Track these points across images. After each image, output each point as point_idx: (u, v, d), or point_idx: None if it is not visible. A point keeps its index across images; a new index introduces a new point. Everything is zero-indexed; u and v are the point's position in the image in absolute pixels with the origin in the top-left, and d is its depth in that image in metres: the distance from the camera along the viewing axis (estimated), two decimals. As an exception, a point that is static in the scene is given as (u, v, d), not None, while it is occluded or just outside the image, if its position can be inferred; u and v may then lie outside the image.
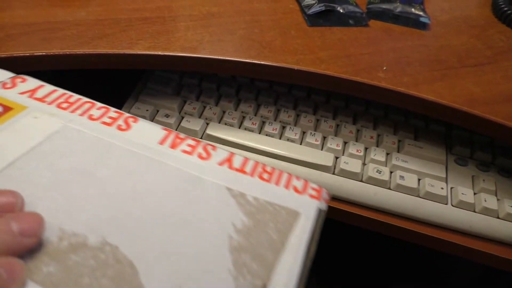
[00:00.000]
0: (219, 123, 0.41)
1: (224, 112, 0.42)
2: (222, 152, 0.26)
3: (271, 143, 0.40)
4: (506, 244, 0.37)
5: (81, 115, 0.26)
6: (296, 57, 0.39)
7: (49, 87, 0.27)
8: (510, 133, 0.35)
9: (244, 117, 0.42)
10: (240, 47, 0.39)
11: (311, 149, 0.40)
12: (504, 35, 0.47)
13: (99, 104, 0.27)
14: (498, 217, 0.37)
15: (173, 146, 0.25)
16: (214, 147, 0.26)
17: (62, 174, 0.22)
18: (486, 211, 0.37)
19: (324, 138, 0.41)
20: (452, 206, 0.38)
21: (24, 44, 0.36)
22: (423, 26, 0.47)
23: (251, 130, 0.41)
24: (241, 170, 0.25)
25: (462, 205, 0.38)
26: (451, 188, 0.39)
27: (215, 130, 0.40)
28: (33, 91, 0.26)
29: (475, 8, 0.53)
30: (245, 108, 0.42)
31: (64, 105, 0.26)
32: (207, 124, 0.41)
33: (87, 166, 0.23)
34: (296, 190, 0.24)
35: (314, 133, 0.41)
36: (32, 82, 0.27)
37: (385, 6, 0.48)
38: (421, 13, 0.47)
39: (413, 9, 0.48)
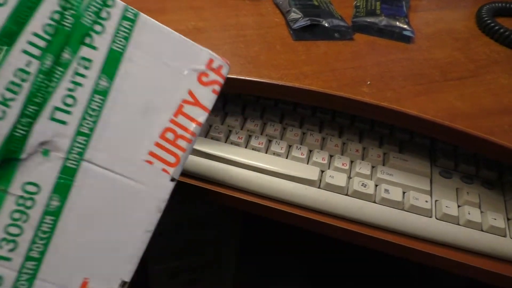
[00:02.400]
0: (206, 137, 0.41)
1: (210, 126, 0.42)
2: None
3: (256, 158, 0.40)
4: (489, 256, 0.38)
5: None
6: (280, 72, 0.39)
7: None
8: (492, 148, 0.36)
9: (230, 131, 0.42)
10: (224, 63, 0.39)
11: (296, 163, 0.40)
12: (487, 48, 0.48)
13: None
14: (481, 230, 0.38)
15: None
16: None
17: None
18: (470, 224, 0.38)
19: (310, 151, 0.41)
20: (437, 219, 0.38)
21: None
22: (407, 39, 0.47)
23: (237, 144, 0.41)
24: None
25: (446, 218, 0.38)
26: (436, 201, 0.39)
27: (200, 145, 0.40)
28: None
29: (460, 21, 0.54)
30: (232, 122, 0.43)
31: None
32: (193, 138, 0.41)
33: None
34: None
35: (300, 147, 0.41)
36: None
37: (370, 19, 0.48)
38: (405, 26, 0.48)
39: (397, 22, 0.48)
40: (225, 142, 0.41)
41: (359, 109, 0.38)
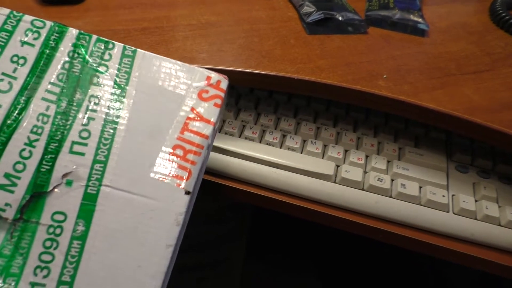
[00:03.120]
0: (219, 132, 0.41)
1: (224, 121, 0.42)
2: None
3: (271, 152, 0.39)
4: (508, 251, 0.37)
5: None
6: (296, 66, 0.39)
7: None
8: (511, 141, 0.35)
9: (244, 126, 0.42)
10: (239, 57, 0.39)
11: (312, 158, 0.39)
12: (502, 41, 0.47)
13: None
14: (500, 225, 0.37)
15: None
16: None
17: None
18: (488, 219, 0.37)
19: (325, 146, 0.41)
20: (454, 214, 0.38)
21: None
22: (421, 33, 0.47)
23: (252, 139, 0.41)
24: None
25: (463, 212, 0.37)
26: (452, 195, 0.39)
27: (216, 141, 0.40)
28: None
29: (473, 14, 0.53)
30: (245, 117, 0.42)
31: None
32: (207, 133, 0.41)
33: None
34: None
35: (315, 142, 0.41)
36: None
37: (383, 13, 0.48)
38: (419, 19, 0.47)
39: (411, 16, 0.48)
40: (239, 137, 0.41)
41: (376, 103, 0.37)
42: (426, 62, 0.42)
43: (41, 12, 0.42)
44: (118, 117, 0.29)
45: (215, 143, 0.40)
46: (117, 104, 0.29)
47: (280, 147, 0.41)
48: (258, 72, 0.37)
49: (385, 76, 0.39)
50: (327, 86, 0.37)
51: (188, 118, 0.30)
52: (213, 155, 0.40)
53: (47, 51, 0.29)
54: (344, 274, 0.80)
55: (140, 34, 0.40)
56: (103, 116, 0.29)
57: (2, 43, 0.28)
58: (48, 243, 0.26)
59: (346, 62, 0.40)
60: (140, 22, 0.42)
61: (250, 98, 0.44)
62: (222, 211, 0.70)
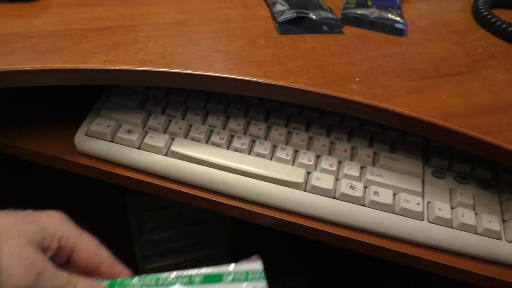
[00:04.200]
0: (185, 138, 0.39)
1: (190, 126, 0.40)
2: None
3: (239, 159, 0.38)
4: (485, 260, 0.36)
5: None
6: (264, 68, 0.37)
7: None
8: (488, 148, 0.34)
9: (212, 131, 0.40)
10: (204, 59, 0.37)
11: (281, 165, 0.38)
12: (484, 41, 0.46)
13: None
14: (476, 233, 0.36)
15: None
16: None
17: None
18: (464, 227, 0.36)
19: (296, 152, 0.39)
20: (429, 222, 0.36)
21: (-31, 59, 0.33)
22: (399, 32, 0.45)
23: (219, 145, 0.39)
24: None
25: (438, 221, 0.36)
26: (428, 203, 0.37)
27: (180, 147, 0.38)
28: None
29: (456, 13, 0.51)
30: (213, 121, 0.40)
31: None
32: (172, 139, 0.39)
33: None
34: None
35: (285, 147, 0.39)
36: None
37: (360, 11, 0.46)
38: (397, 18, 0.45)
39: (389, 15, 0.46)
40: (206, 143, 0.39)
41: (347, 107, 0.36)
42: (403, 63, 0.40)
43: (-4, 10, 0.39)
44: None
45: (180, 150, 0.38)
46: None
47: (249, 154, 0.39)
48: (222, 75, 0.35)
49: (358, 79, 0.37)
50: (296, 91, 0.35)
51: None
52: (178, 162, 0.38)
53: None
54: (330, 272, 0.79)
55: (100, 34, 0.38)
56: None
57: None
58: None
59: (317, 64, 0.38)
60: (101, 21, 0.39)
61: (220, 101, 0.42)
62: (204, 213, 0.68)
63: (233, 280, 0.30)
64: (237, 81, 0.35)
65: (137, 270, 0.75)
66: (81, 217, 0.64)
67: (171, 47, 0.37)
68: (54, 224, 0.26)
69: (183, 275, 0.29)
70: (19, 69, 0.32)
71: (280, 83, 0.35)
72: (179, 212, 0.69)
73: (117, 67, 0.34)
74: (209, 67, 0.36)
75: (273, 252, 0.80)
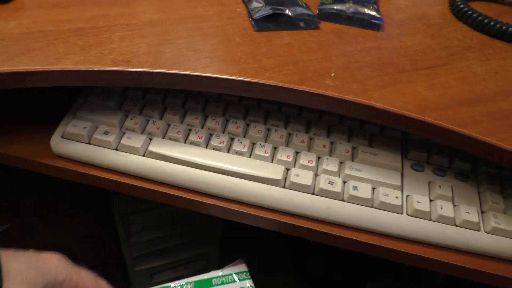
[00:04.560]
0: (163, 138, 0.39)
1: (169, 125, 0.40)
2: None
3: (217, 158, 0.37)
4: (464, 252, 0.36)
5: None
6: (239, 66, 0.37)
7: None
8: (463, 140, 0.34)
9: (190, 130, 0.40)
10: (178, 58, 0.36)
11: (260, 162, 0.38)
12: (460, 34, 0.46)
13: None
14: (455, 225, 0.36)
15: None
16: None
17: None
18: (442, 219, 0.36)
19: (275, 149, 0.39)
20: (408, 215, 0.36)
21: None
22: (376, 27, 0.45)
23: (197, 144, 0.39)
24: None
25: (417, 214, 0.36)
26: (407, 196, 0.38)
27: (158, 147, 0.38)
28: None
29: (432, 6, 0.51)
30: (191, 120, 0.40)
31: None
32: (150, 140, 0.39)
33: None
34: None
35: (264, 145, 0.39)
36: None
37: (337, 7, 0.46)
38: (374, 13, 0.46)
39: (366, 9, 0.46)
40: (185, 142, 0.39)
41: (323, 103, 0.36)
42: (379, 58, 0.40)
43: (-33, 14, 0.39)
44: None
45: (158, 150, 0.37)
46: None
47: (228, 152, 0.39)
48: (197, 74, 0.35)
49: (333, 74, 0.37)
50: (270, 87, 0.35)
51: None
52: (156, 162, 0.37)
53: None
54: (322, 268, 0.79)
55: (73, 35, 0.37)
56: None
57: None
58: None
59: (293, 60, 0.38)
60: (75, 22, 0.39)
61: (198, 100, 0.42)
62: (192, 213, 0.68)
63: (222, 283, 0.33)
64: (212, 79, 0.35)
65: (126, 272, 0.75)
66: (66, 221, 0.64)
67: (145, 47, 0.37)
68: (56, 267, 0.27)
69: (173, 286, 0.31)
70: (-11, 72, 0.32)
71: (255, 80, 0.35)
72: (167, 212, 0.69)
73: (89, 68, 0.34)
74: (183, 66, 0.35)
75: (263, 250, 0.80)
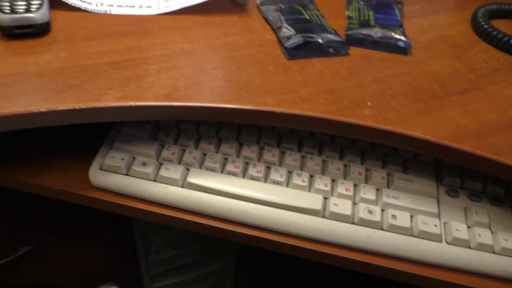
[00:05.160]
0: (200, 168, 0.39)
1: (205, 155, 0.40)
2: None
3: (256, 188, 0.38)
4: (504, 279, 0.36)
5: None
6: (276, 97, 0.37)
7: None
8: (501, 168, 0.34)
9: (226, 159, 0.40)
10: (216, 90, 0.37)
11: (298, 192, 0.38)
12: (486, 55, 0.46)
13: None
14: (494, 252, 0.36)
15: None
16: None
17: None
18: (482, 247, 0.36)
19: (311, 177, 0.39)
20: (447, 243, 0.37)
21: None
22: (404, 51, 0.45)
23: (235, 174, 0.39)
24: None
25: (456, 242, 0.36)
26: (445, 223, 0.38)
27: (196, 177, 0.38)
28: None
29: (456, 25, 0.52)
30: (227, 149, 0.40)
31: None
32: (188, 170, 0.39)
33: None
34: None
35: (301, 173, 0.39)
36: None
37: (364, 31, 0.46)
38: (401, 37, 0.46)
39: (392, 33, 0.47)
40: (221, 172, 0.39)
41: (362, 133, 0.36)
42: (410, 83, 0.41)
43: (2, 47, 0.39)
44: None
45: (198, 181, 0.38)
46: None
47: (265, 181, 0.39)
48: (238, 107, 0.35)
49: (369, 103, 0.37)
50: (310, 119, 0.35)
51: None
52: (196, 194, 0.38)
53: None
54: (337, 281, 0.79)
55: (110, 69, 0.38)
56: None
57: None
58: None
59: (328, 89, 0.39)
60: (110, 55, 0.39)
61: (232, 128, 0.42)
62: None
63: None
64: (252, 112, 0.35)
65: (143, 290, 0.75)
66: (86, 240, 0.64)
67: (183, 79, 0.37)
68: None
69: None
70: (35, 111, 0.32)
71: (295, 112, 0.35)
72: (185, 230, 0.69)
73: (132, 104, 0.34)
74: (222, 98, 0.36)
75: (279, 265, 0.80)
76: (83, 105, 0.33)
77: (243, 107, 0.35)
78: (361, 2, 0.52)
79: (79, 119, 0.34)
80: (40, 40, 0.40)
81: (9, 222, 0.62)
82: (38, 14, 0.39)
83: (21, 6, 0.40)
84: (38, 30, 0.40)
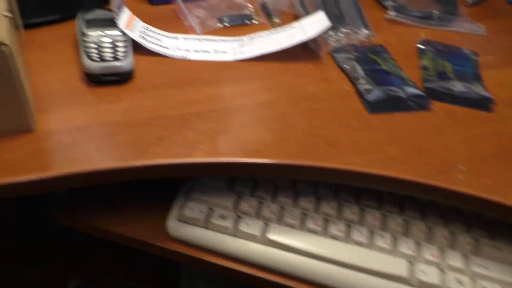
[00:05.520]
0: (279, 224, 0.38)
1: (282, 209, 0.39)
2: None
3: (338, 249, 0.36)
4: None
5: None
6: (365, 156, 0.36)
7: None
8: None
9: (305, 215, 0.39)
10: (304, 147, 0.36)
11: (383, 255, 0.36)
12: None
13: None
14: None
15: None
16: None
17: None
18: None
19: (395, 239, 0.38)
20: (544, 321, 0.34)
21: (72, 157, 0.33)
22: (486, 107, 0.44)
23: (315, 232, 0.38)
24: None
25: (555, 320, 0.34)
26: (539, 297, 0.35)
27: (276, 235, 0.37)
28: None
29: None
30: (305, 204, 0.39)
31: None
32: (266, 224, 0.38)
33: None
34: None
35: (383, 234, 0.38)
36: None
37: (444, 84, 0.45)
38: (483, 92, 0.45)
39: (473, 87, 0.45)
40: (301, 229, 0.38)
41: (456, 199, 0.34)
42: (500, 145, 0.39)
43: (89, 94, 0.40)
44: None
45: (278, 239, 0.37)
46: None
47: (347, 241, 0.37)
48: (327, 167, 0.34)
49: (463, 168, 0.36)
50: (403, 182, 0.34)
51: None
52: (276, 251, 0.37)
53: None
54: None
55: (197, 121, 0.37)
56: None
57: None
58: None
59: (417, 149, 0.37)
60: (194, 105, 0.39)
61: (308, 181, 0.41)
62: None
63: None
64: (343, 172, 0.34)
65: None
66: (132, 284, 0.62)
67: (269, 133, 0.37)
68: None
69: None
70: (130, 166, 0.32)
71: (387, 174, 0.34)
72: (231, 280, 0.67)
73: (223, 160, 0.34)
74: (311, 156, 0.35)
75: None
76: (176, 161, 0.33)
77: (333, 166, 0.34)
78: (433, 51, 0.51)
79: (169, 174, 0.34)
80: (125, 87, 0.41)
81: (62, 256, 0.62)
82: (125, 62, 0.40)
83: (108, 53, 0.40)
84: (124, 78, 0.40)
